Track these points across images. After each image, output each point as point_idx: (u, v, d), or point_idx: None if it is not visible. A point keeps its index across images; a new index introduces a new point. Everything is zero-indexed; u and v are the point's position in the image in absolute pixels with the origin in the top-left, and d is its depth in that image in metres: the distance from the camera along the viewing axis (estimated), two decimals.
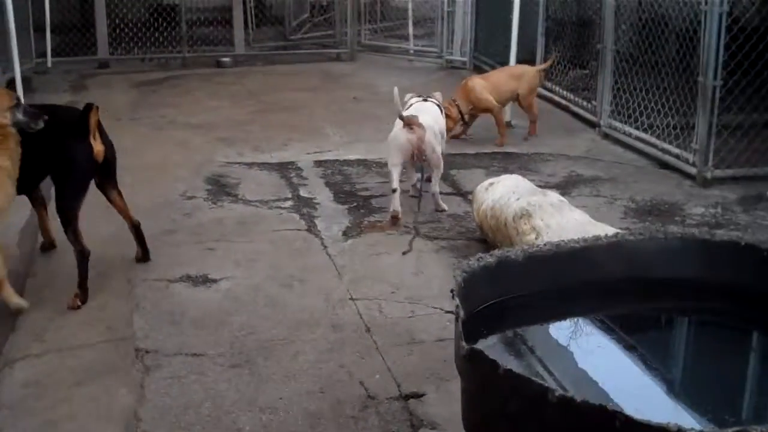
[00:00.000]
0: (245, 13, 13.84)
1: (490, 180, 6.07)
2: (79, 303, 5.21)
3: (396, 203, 6.50)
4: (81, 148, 5.30)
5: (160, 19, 13.47)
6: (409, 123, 6.56)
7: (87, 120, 5.28)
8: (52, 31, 12.69)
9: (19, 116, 5.06)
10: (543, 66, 9.44)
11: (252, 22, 14.26)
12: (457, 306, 3.18)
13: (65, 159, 5.32)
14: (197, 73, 12.42)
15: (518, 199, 5.52)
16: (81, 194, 5.45)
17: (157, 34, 13.36)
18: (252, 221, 6.51)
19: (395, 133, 6.68)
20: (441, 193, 6.89)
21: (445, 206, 6.78)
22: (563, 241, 3.86)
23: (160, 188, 7.24)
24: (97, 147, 5.38)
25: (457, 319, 3.18)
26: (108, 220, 6.30)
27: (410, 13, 14.24)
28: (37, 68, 12.18)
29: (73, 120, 5.35)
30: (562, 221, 5.17)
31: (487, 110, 8.64)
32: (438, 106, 7.22)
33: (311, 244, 6.09)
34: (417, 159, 6.70)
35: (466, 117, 8.60)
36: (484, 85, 8.62)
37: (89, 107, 5.33)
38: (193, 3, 14.25)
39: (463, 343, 3.02)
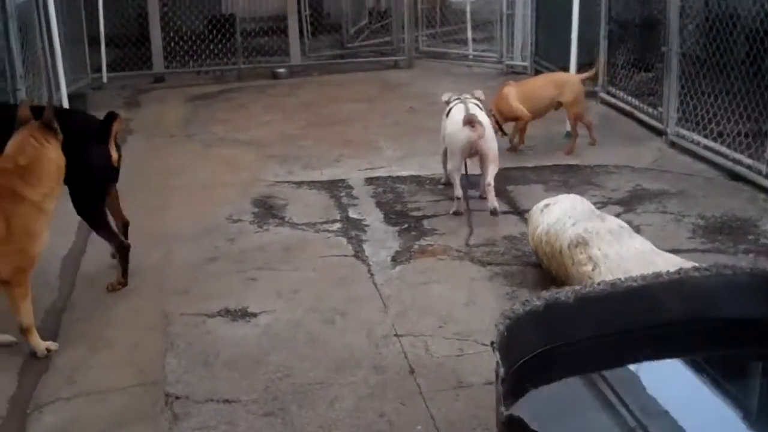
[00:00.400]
0: (300, 21, 13.58)
1: (546, 201, 5.71)
2: (120, 286, 5.63)
3: (460, 206, 6.74)
4: (102, 155, 5.47)
5: (215, 31, 13.32)
6: (470, 121, 6.61)
7: (109, 128, 5.46)
8: (107, 45, 12.64)
9: None
10: (587, 74, 8.86)
11: (308, 31, 14.00)
12: (497, 363, 2.88)
13: (87, 164, 5.41)
14: (252, 86, 12.21)
15: (574, 224, 5.15)
16: (102, 197, 5.67)
17: (212, 46, 13.21)
18: (298, 247, 6.24)
19: (455, 132, 6.72)
20: (497, 211, 6.63)
21: (496, 204, 6.68)
22: (619, 280, 3.52)
23: (205, 211, 7.02)
24: (114, 154, 5.53)
25: (497, 378, 2.88)
26: (147, 249, 6.13)
27: (468, 16, 13.82)
28: (93, 83, 12.11)
29: (93, 126, 5.57)
30: (621, 250, 4.78)
31: (516, 119, 8.24)
32: (479, 105, 7.05)
33: (357, 271, 5.80)
34: (478, 158, 6.84)
35: (503, 126, 8.24)
36: (516, 93, 8.23)
37: (112, 116, 5.53)
38: (249, 12, 14.09)
39: (502, 409, 2.72)
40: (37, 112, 5.11)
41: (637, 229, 5.68)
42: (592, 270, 4.74)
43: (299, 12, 13.55)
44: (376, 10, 15.90)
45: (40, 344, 4.89)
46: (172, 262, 6.09)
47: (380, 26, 15.28)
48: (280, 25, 13.81)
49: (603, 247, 4.82)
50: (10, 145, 4.82)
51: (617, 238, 4.88)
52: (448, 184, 7.23)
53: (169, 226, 6.76)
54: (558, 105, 8.36)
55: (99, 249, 6.11)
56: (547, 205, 5.60)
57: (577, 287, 3.43)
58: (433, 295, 5.42)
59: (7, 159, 4.78)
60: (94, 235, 6.02)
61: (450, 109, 7.05)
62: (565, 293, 3.35)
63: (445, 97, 7.30)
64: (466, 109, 6.78)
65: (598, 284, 3.45)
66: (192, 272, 5.86)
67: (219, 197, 7.40)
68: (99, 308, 5.44)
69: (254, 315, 5.20)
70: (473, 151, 6.74)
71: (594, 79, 9.41)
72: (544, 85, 8.53)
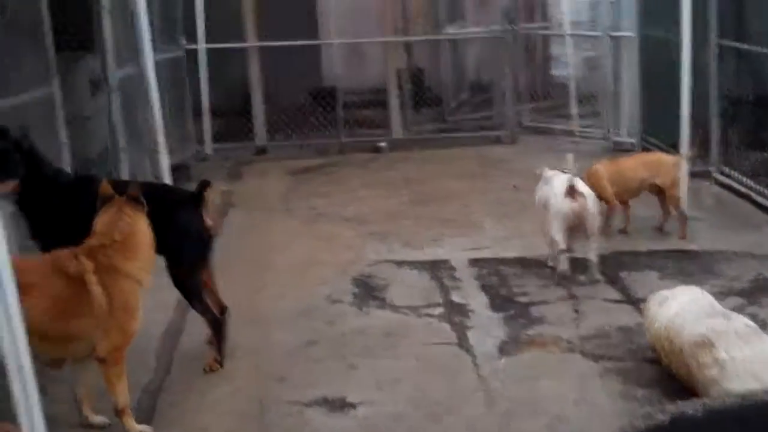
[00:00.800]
0: (402, 95, 13.51)
1: (664, 293, 5.35)
2: (218, 366, 5.51)
3: (564, 264, 6.74)
4: (196, 221, 5.50)
5: (316, 104, 13.34)
6: (572, 191, 6.61)
7: (202, 194, 5.51)
8: (212, 116, 12.78)
9: None
10: (685, 155, 8.25)
11: (409, 104, 13.92)
12: None
13: (181, 232, 5.47)
14: (353, 159, 12.13)
15: (697, 321, 4.79)
16: (200, 266, 5.61)
17: (313, 119, 13.22)
18: (399, 333, 6.01)
19: (558, 203, 6.70)
20: (608, 299, 6.36)
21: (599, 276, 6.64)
22: (752, 392, 3.19)
23: (304, 290, 6.86)
24: (209, 221, 5.59)
25: None
26: (245, 329, 5.98)
27: (572, 91, 13.54)
28: (197, 155, 12.20)
29: (185, 196, 5.65)
30: (750, 354, 4.40)
31: (603, 199, 7.73)
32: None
33: (462, 362, 5.53)
34: (579, 229, 6.79)
35: None
36: (605, 173, 7.86)
37: (205, 183, 5.59)
38: (350, 85, 14.11)
39: None
40: (120, 187, 5.13)
41: (764, 325, 5.29)
42: (719, 374, 4.37)
43: (400, 85, 13.49)
44: (477, 83, 15.72)
45: (135, 428, 4.77)
46: (270, 344, 5.92)
47: (481, 100, 15.09)
48: (381, 98, 13.77)
49: (730, 349, 4.44)
50: (100, 223, 4.79)
51: (746, 340, 4.50)
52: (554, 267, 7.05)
53: (268, 306, 6.62)
54: (655, 187, 7.96)
55: (197, 326, 5.98)
56: (666, 299, 5.25)
57: (706, 400, 3.12)
58: (542, 391, 5.11)
59: (102, 236, 4.76)
60: (193, 312, 5.92)
61: (548, 179, 7.07)
62: (692, 406, 3.05)
63: (539, 170, 7.36)
64: (569, 179, 6.70)
65: (729, 397, 3.14)
66: (290, 356, 5.68)
67: (318, 276, 7.23)
68: (195, 391, 5.29)
69: (353, 406, 4.97)
70: (576, 222, 6.71)
71: (700, 157, 8.97)
72: (636, 166, 8.13)
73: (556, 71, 16.42)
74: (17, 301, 3.69)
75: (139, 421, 4.87)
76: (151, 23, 9.49)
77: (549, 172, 7.17)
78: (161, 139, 8.59)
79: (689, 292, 5.34)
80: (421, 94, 15.05)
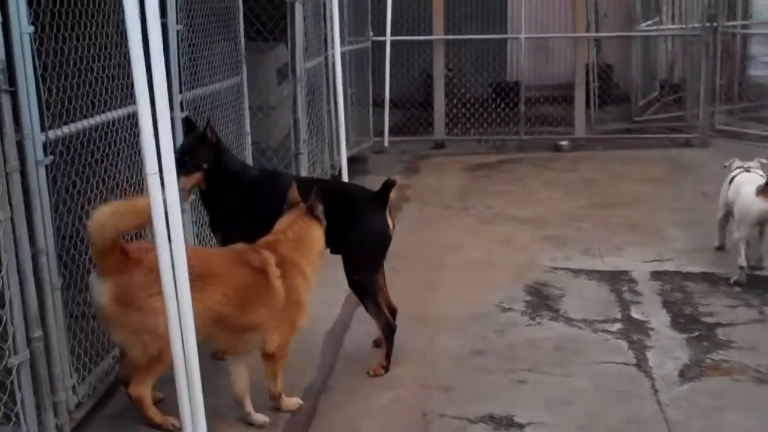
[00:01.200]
0: (588, 92, 13.04)
1: None
2: (383, 371, 5.41)
3: (742, 278, 6.62)
4: (379, 221, 5.40)
5: (498, 98, 13.06)
6: (764, 191, 6.50)
7: (387, 194, 5.39)
8: (394, 107, 12.74)
9: None
10: None
11: (595, 102, 13.43)
12: None
13: (364, 232, 5.40)
14: (532, 157, 11.81)
15: None
16: (378, 267, 5.53)
17: (494, 115, 12.96)
18: (572, 347, 5.70)
19: (749, 202, 6.61)
20: None
21: None
22: None
23: (475, 295, 6.64)
24: (390, 223, 5.47)
25: None
26: (413, 333, 5.83)
27: None
28: (375, 147, 12.17)
29: (369, 196, 5.50)
30: None
31: None
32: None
33: (639, 385, 5.17)
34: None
35: None
36: None
37: (390, 183, 5.42)
38: (534, 80, 13.74)
39: None
40: (305, 185, 5.27)
41: None
42: None
43: (587, 82, 13.03)
44: (668, 81, 15.00)
45: (291, 402, 4.99)
46: (437, 351, 5.75)
47: (672, 100, 14.40)
48: (566, 94, 13.34)
49: None
50: (280, 223, 4.93)
51: None
52: (741, 284, 6.71)
53: (436, 308, 6.44)
54: None
55: (364, 325, 5.89)
56: None
57: None
58: (726, 425, 4.70)
59: (280, 233, 4.89)
60: (360, 310, 5.84)
61: (733, 177, 7.02)
62: None
63: (727, 163, 7.26)
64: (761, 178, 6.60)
65: None
66: (457, 366, 5.48)
67: (491, 280, 7.00)
68: (357, 395, 5.17)
69: (520, 426, 4.71)
70: (764, 221, 6.78)
71: None
72: None
73: (755, 71, 15.53)
74: (189, 293, 3.69)
75: (299, 423, 4.85)
76: (341, 15, 9.54)
77: (737, 164, 7.19)
78: (342, 131, 8.58)
79: None
80: (609, 91, 14.54)
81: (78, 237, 4.78)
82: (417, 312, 6.28)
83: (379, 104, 12.34)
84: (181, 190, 5.20)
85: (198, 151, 5.42)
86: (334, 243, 5.25)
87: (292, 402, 4.98)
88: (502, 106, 12.98)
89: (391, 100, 12.49)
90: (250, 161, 8.01)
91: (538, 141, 12.56)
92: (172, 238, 3.77)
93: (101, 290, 4.41)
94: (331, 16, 8.75)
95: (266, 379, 4.89)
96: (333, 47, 9.90)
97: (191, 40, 6.63)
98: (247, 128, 7.93)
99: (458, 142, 12.75)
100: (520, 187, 10.14)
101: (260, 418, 4.86)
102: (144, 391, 4.58)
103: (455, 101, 12.97)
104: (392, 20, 12.29)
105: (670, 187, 9.96)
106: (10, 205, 3.53)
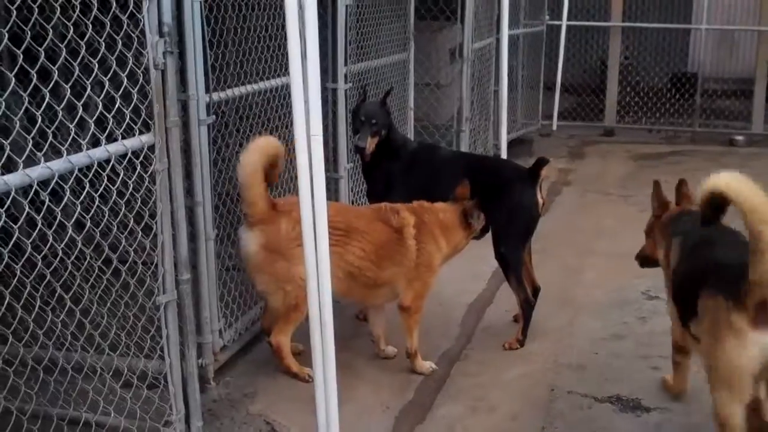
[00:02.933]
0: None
1: None
2: (518, 345, 5.52)
3: None
4: (529, 196, 5.53)
5: (674, 89, 12.75)
6: None
7: (538, 171, 5.51)
8: (565, 92, 12.68)
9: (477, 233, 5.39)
10: None
11: None
12: None
13: (513, 206, 5.54)
14: (704, 151, 11.48)
15: None
16: (525, 242, 5.66)
17: (668, 105, 12.67)
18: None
19: None
20: None
21: None
22: None
23: (623, 281, 6.59)
24: (541, 199, 5.57)
25: None
26: (553, 312, 5.89)
27: None
28: (542, 130, 12.17)
29: (521, 171, 5.66)
30: None
31: None
32: None
33: None
34: None
35: None
36: None
37: (542, 161, 5.56)
38: (715, 72, 13.35)
39: None
40: (461, 159, 5.79)
41: None
42: None
43: None
44: None
45: (424, 365, 5.21)
46: (574, 331, 5.79)
47: None
48: (747, 89, 12.89)
49: None
50: (438, 205, 5.28)
51: None
52: None
53: (580, 292, 6.47)
54: None
55: (507, 301, 6.01)
56: None
57: None
58: None
59: (431, 207, 5.26)
60: (504, 286, 5.96)
61: None
62: None
63: None
64: None
65: None
66: (592, 347, 5.51)
67: (639, 268, 6.91)
68: (490, 366, 5.30)
69: (647, 410, 4.71)
70: None
71: None
72: None
73: None
74: (328, 250, 3.89)
75: (431, 386, 5.02)
76: None
77: None
78: (504, 112, 8.66)
79: None
80: None
81: (233, 194, 5.11)
82: (561, 293, 6.34)
83: (550, 88, 12.31)
84: (366, 150, 5.70)
85: (380, 116, 5.78)
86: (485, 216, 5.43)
87: (426, 365, 5.20)
88: (677, 96, 12.68)
89: (563, 84, 12.43)
90: (411, 135, 8.23)
91: (711, 134, 12.20)
92: (315, 195, 3.97)
93: (250, 238, 4.76)
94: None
95: (405, 334, 5.16)
96: (500, 31, 10.02)
97: (360, 15, 6.88)
98: (411, 103, 8.13)
99: (628, 131, 12.55)
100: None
101: (390, 349, 5.38)
102: (284, 339, 4.90)
103: (628, 89, 12.77)
104: (570, 5, 12.21)
105: None
106: (168, 158, 3.83)
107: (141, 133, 3.75)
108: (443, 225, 5.17)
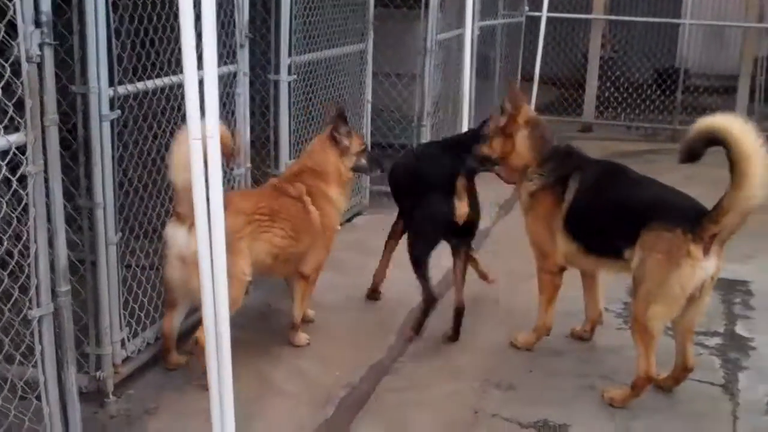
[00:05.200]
0: (753, 85, 12.21)
1: None
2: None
3: None
4: (442, 205, 5.33)
5: (655, 85, 12.43)
6: None
7: (455, 181, 5.30)
8: (545, 86, 12.37)
9: (362, 162, 5.40)
10: None
11: (761, 95, 12.56)
12: None
13: (424, 211, 5.44)
14: None
15: None
16: (429, 247, 5.49)
17: (648, 102, 12.35)
18: (658, 359, 5.19)
19: None
20: None
21: None
22: None
23: (568, 291, 6.13)
24: (462, 209, 5.32)
25: None
26: (496, 325, 5.60)
27: None
28: None
29: (443, 178, 5.39)
30: None
31: None
32: None
33: (718, 408, 4.76)
34: None
35: None
36: None
37: (459, 170, 5.32)
38: (701, 68, 13.03)
39: None
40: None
41: None
42: None
43: (754, 74, 12.21)
44: None
45: (302, 337, 5.33)
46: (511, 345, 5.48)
47: None
48: (732, 85, 12.57)
49: None
50: (305, 149, 5.51)
51: None
52: None
53: (522, 301, 6.10)
54: None
55: (449, 310, 5.74)
56: None
57: None
58: None
59: (300, 163, 5.39)
60: (448, 294, 5.80)
61: None
62: None
63: None
64: None
65: None
66: (528, 364, 5.21)
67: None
68: (418, 382, 5.00)
69: None
70: None
71: None
72: None
73: None
74: (224, 255, 3.65)
75: (354, 402, 4.76)
76: None
77: None
78: (466, 106, 8.33)
79: None
80: None
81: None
82: (501, 302, 6.07)
83: (529, 80, 11.98)
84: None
85: None
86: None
87: (303, 338, 5.30)
88: (658, 93, 12.36)
89: (543, 77, 12.11)
90: (368, 129, 7.93)
91: None
92: (211, 204, 3.68)
93: (186, 236, 4.44)
94: None
95: (294, 302, 5.24)
96: (474, 21, 9.70)
97: (306, 3, 6.56)
98: (368, 96, 7.83)
99: (607, 127, 12.24)
100: (660, 180, 9.57)
101: (311, 312, 5.59)
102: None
103: (608, 84, 12.44)
104: None
105: None
106: (45, 159, 3.51)
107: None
108: (321, 173, 5.24)
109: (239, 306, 4.82)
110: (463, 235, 5.49)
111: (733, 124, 4.29)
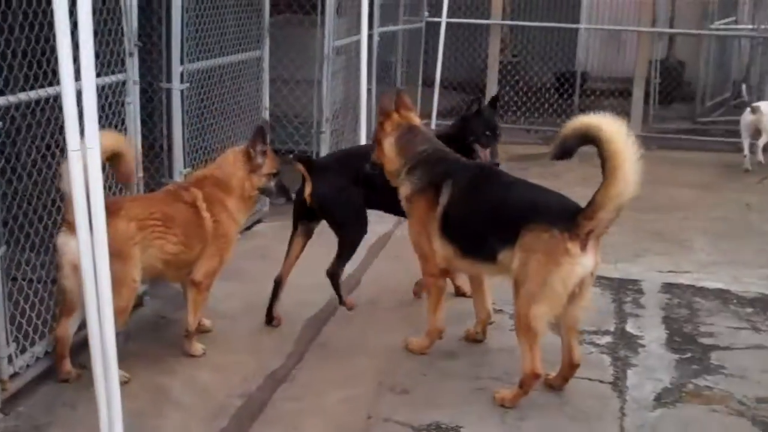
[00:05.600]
0: (648, 87, 12.54)
1: None
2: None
3: None
4: (298, 189, 5.71)
5: (553, 89, 12.67)
6: None
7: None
8: (448, 90, 12.50)
9: (270, 185, 5.40)
10: None
11: (655, 99, 12.90)
12: None
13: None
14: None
15: None
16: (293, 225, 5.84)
17: (546, 105, 12.59)
18: (550, 359, 5.29)
19: None
20: None
21: None
22: None
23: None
24: (307, 191, 5.62)
25: None
26: (393, 326, 5.64)
27: None
28: None
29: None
30: None
31: None
32: None
33: (607, 406, 4.86)
34: None
35: None
36: None
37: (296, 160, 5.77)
38: (601, 72, 13.34)
39: None
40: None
41: None
42: None
43: (648, 78, 12.54)
44: (742, 82, 14.30)
45: (197, 347, 5.26)
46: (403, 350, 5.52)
47: (741, 102, 13.76)
48: (626, 88, 12.89)
49: None
50: (217, 164, 5.39)
51: None
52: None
53: (420, 302, 6.17)
54: None
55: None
56: None
57: None
58: None
59: (207, 170, 5.39)
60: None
61: None
62: None
63: None
64: None
65: None
66: (423, 367, 5.24)
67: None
68: (315, 389, 4.98)
69: None
70: None
71: None
72: None
73: None
74: (108, 272, 3.61)
75: (249, 412, 4.72)
76: None
77: None
78: (364, 113, 8.35)
79: None
80: (679, 89, 14.05)
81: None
82: (400, 305, 6.12)
83: (431, 85, 12.10)
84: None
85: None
86: None
87: (198, 347, 5.25)
88: (556, 96, 12.61)
89: (447, 82, 12.24)
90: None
91: None
92: (93, 218, 3.64)
93: (77, 243, 4.34)
94: None
95: (187, 312, 5.19)
96: (373, 27, 9.79)
97: (201, 9, 6.51)
98: (266, 103, 7.80)
99: (507, 130, 12.34)
100: (554, 182, 9.63)
101: (208, 323, 5.56)
102: None
103: (508, 88, 12.63)
104: (450, 2, 11.98)
105: (713, 195, 9.52)
106: None
107: None
108: (224, 184, 5.22)
109: (128, 314, 4.83)
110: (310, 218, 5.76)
111: (605, 123, 4.48)
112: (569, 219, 4.54)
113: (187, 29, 6.24)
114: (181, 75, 6.23)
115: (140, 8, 5.51)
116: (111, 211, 4.36)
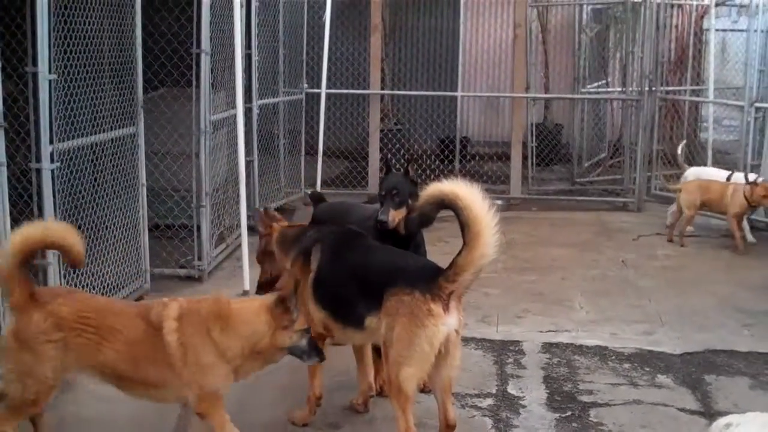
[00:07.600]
0: (526, 150, 12.86)
1: (727, 420, 4.56)
2: None
3: None
4: None
5: (433, 156, 12.91)
6: None
7: None
8: (332, 159, 12.58)
9: (302, 343, 4.81)
10: None
11: (533, 162, 13.21)
12: None
13: None
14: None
15: None
16: None
17: (428, 171, 12.77)
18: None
19: None
20: (683, 409, 5.70)
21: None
22: None
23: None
24: None
25: None
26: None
27: (710, 156, 12.46)
28: (306, 198, 11.96)
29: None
30: None
31: None
32: None
33: None
34: None
35: None
36: None
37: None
38: (481, 136, 13.64)
39: None
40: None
41: None
42: None
43: (526, 141, 12.87)
44: (618, 143, 14.76)
45: None
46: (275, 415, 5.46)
47: (616, 162, 14.24)
48: (505, 151, 13.21)
49: None
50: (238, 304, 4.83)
51: None
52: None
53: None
54: None
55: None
56: (728, 426, 4.47)
57: None
58: None
59: (222, 301, 4.78)
60: None
61: None
62: None
63: None
64: None
65: None
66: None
67: None
68: None
69: None
70: None
71: None
72: None
73: (716, 135, 15.28)
74: None
75: None
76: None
77: None
78: (243, 186, 8.29)
79: (761, 420, 4.53)
80: (557, 151, 14.45)
81: None
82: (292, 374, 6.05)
83: (313, 155, 12.16)
84: (390, 223, 5.66)
85: (403, 187, 5.76)
86: None
87: None
88: (437, 162, 12.84)
89: (331, 151, 12.34)
90: (144, 212, 7.79)
91: None
92: None
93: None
94: (235, 71, 8.39)
95: None
96: (252, 100, 9.85)
97: (69, 89, 6.44)
98: (143, 179, 7.70)
99: None
100: (440, 248, 9.82)
101: None
102: (8, 428, 4.57)
103: (390, 156, 12.78)
104: (329, 73, 12.11)
105: (591, 253, 9.74)
106: None
107: None
108: (223, 317, 4.64)
109: (38, 408, 4.65)
110: None
111: (460, 189, 4.61)
112: (430, 281, 4.63)
113: (56, 108, 6.14)
114: (51, 154, 6.11)
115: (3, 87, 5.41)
116: (37, 300, 4.53)
